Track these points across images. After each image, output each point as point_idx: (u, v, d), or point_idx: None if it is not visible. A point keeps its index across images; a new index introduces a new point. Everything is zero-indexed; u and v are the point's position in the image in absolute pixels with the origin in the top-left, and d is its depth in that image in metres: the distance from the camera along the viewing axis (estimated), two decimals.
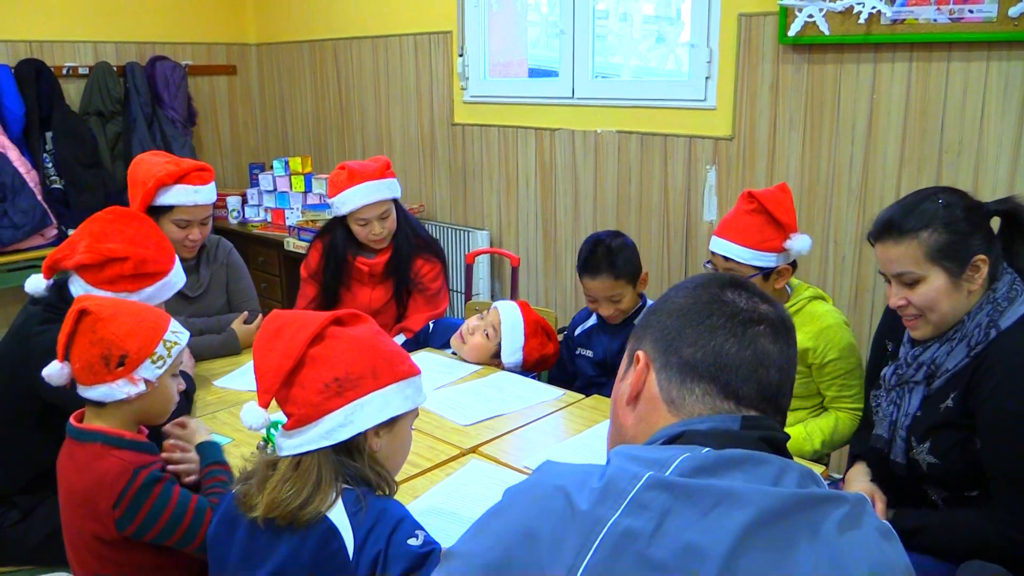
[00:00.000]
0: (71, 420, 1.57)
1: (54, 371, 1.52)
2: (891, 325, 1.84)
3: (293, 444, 1.28)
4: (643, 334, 1.01)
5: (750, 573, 0.71)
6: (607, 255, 2.37)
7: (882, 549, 0.76)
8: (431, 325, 2.80)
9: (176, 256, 2.06)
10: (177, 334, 1.61)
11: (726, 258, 2.13)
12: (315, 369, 1.28)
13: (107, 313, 1.53)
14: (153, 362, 1.55)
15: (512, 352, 2.47)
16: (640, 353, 1.00)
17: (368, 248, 2.86)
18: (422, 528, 1.28)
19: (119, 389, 1.52)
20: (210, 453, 1.73)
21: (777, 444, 0.89)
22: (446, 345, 2.67)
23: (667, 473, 0.80)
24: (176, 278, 2.03)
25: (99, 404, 1.54)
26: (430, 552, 1.24)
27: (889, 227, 1.62)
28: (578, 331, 2.55)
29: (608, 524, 0.77)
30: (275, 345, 1.29)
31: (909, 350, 1.72)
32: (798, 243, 2.09)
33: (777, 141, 3.04)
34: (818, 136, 2.93)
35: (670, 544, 0.74)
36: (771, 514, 0.75)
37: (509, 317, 2.50)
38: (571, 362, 2.56)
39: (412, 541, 1.24)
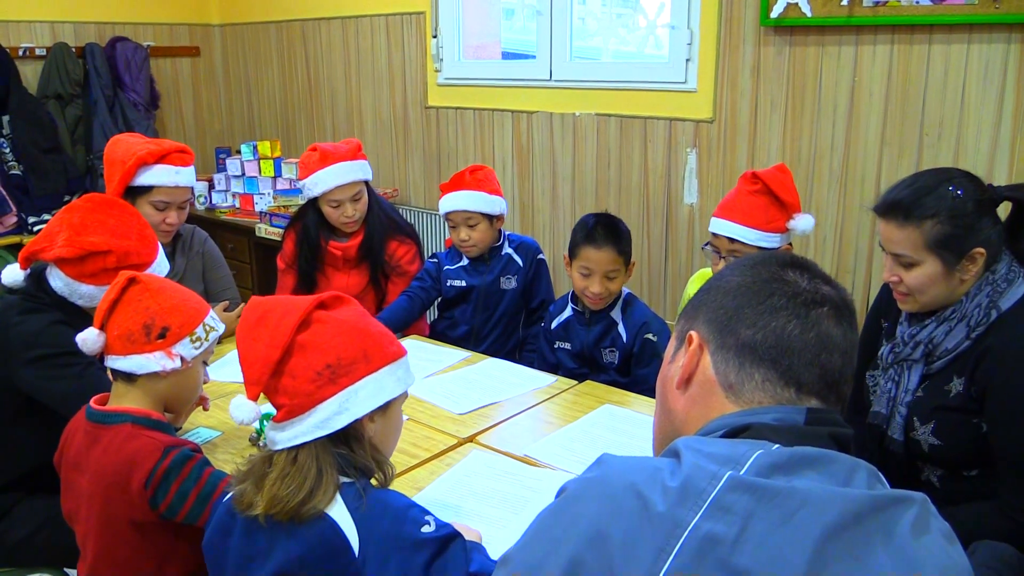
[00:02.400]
0: (92, 404, 1.54)
1: (89, 337, 1.50)
2: (887, 303, 1.85)
3: (287, 436, 1.21)
4: (695, 313, 0.97)
5: None
6: (612, 227, 2.36)
7: (948, 553, 0.74)
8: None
9: (159, 244, 2.00)
10: (216, 322, 1.61)
11: (731, 239, 2.11)
12: (305, 357, 1.22)
13: (155, 286, 1.54)
14: (192, 341, 1.55)
15: (499, 206, 2.72)
16: (693, 333, 0.95)
17: (340, 232, 2.81)
18: (429, 512, 1.24)
19: (155, 361, 1.51)
20: None
21: (844, 440, 0.86)
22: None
23: (743, 471, 0.76)
24: (160, 268, 1.97)
25: (129, 380, 1.52)
26: (448, 535, 1.21)
27: (895, 208, 1.62)
28: (554, 324, 2.53)
29: (689, 528, 0.73)
30: (260, 334, 1.23)
31: (906, 329, 1.73)
32: (803, 223, 2.09)
33: (758, 123, 3.03)
34: (799, 118, 2.93)
35: (753, 551, 0.71)
36: (849, 518, 0.72)
37: (460, 203, 2.67)
38: (551, 354, 2.54)
39: (426, 528, 1.20)
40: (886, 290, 1.88)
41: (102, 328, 1.51)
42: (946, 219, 1.57)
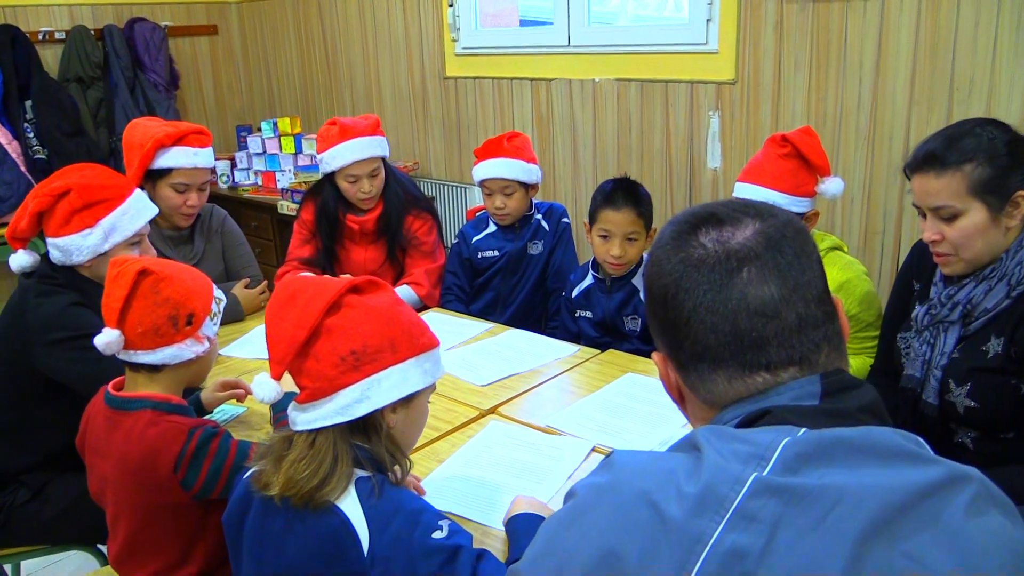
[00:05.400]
0: (109, 390, 1.52)
1: (111, 339, 1.44)
2: (919, 263, 1.80)
3: (307, 419, 1.20)
4: (652, 327, 0.92)
5: None
6: (631, 190, 2.34)
7: (1011, 535, 0.67)
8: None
9: (136, 188, 1.99)
10: (218, 291, 1.60)
11: None
12: (331, 341, 1.19)
13: (167, 272, 1.48)
14: (211, 319, 1.54)
15: (535, 175, 2.72)
16: (656, 355, 0.92)
17: (357, 206, 2.80)
18: (443, 517, 1.21)
19: (188, 349, 1.49)
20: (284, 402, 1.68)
21: (875, 410, 0.78)
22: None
23: (768, 469, 0.70)
24: (138, 205, 1.96)
25: (153, 369, 1.50)
26: (457, 544, 1.18)
27: (931, 159, 1.56)
28: (575, 293, 2.50)
29: (711, 541, 0.67)
30: (288, 313, 1.20)
31: (942, 289, 1.67)
32: (832, 186, 2.03)
33: (782, 83, 2.96)
34: (824, 77, 2.86)
35: (783, 562, 0.65)
36: (892, 511, 0.65)
37: (497, 170, 2.66)
38: (573, 323, 2.53)
39: (437, 534, 1.17)
40: (917, 250, 1.83)
41: (118, 326, 1.46)
42: (985, 160, 1.51)
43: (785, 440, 0.72)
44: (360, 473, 1.21)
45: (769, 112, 3.01)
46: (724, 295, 0.81)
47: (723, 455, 0.72)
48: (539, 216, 2.80)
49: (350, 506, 1.17)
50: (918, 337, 1.73)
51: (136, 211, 1.95)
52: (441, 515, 1.21)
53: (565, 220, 2.82)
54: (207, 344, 1.53)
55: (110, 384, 1.54)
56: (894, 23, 2.66)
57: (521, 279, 2.78)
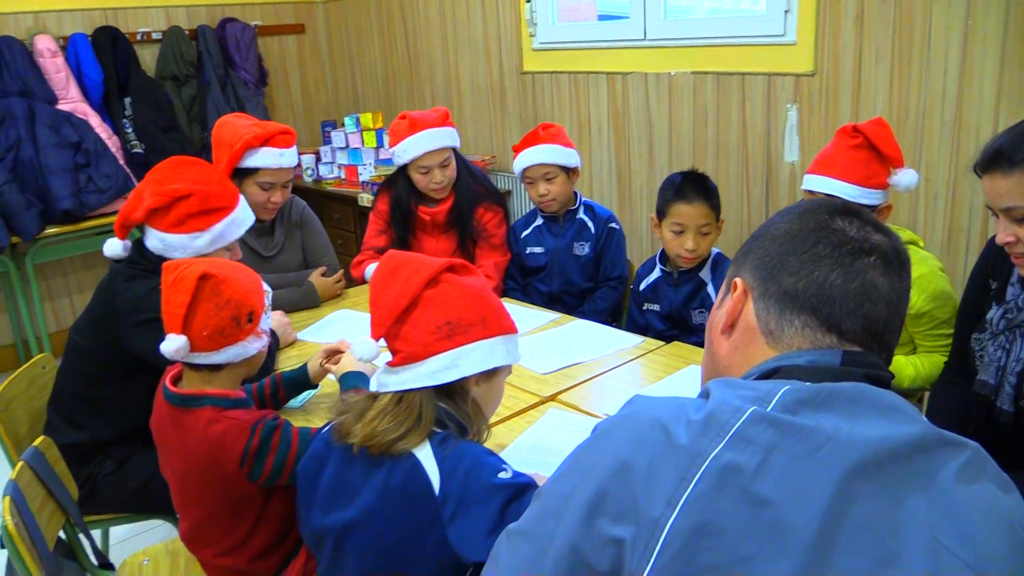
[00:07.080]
0: (168, 386, 1.56)
1: (179, 345, 1.47)
2: (995, 262, 1.73)
3: (398, 380, 1.30)
4: (743, 260, 0.98)
5: (857, 517, 0.67)
6: (701, 182, 2.35)
7: (999, 502, 0.71)
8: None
9: (240, 195, 2.08)
10: (266, 285, 1.65)
11: (829, 196, 2.01)
12: (428, 310, 1.30)
13: (225, 274, 1.51)
14: (266, 313, 1.59)
15: (574, 159, 2.73)
16: (738, 280, 0.96)
17: (430, 198, 2.85)
18: (507, 463, 1.29)
19: (250, 346, 1.55)
20: (350, 381, 1.74)
21: (881, 382, 0.84)
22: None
23: (770, 407, 0.76)
24: (243, 215, 2.05)
25: (214, 368, 1.54)
26: (524, 483, 1.26)
27: (998, 157, 1.49)
28: (643, 286, 2.51)
29: (710, 457, 0.73)
30: (392, 283, 1.32)
31: (1019, 292, 1.61)
32: (906, 178, 1.97)
33: (863, 75, 2.88)
34: (907, 68, 2.77)
35: (775, 481, 0.70)
36: (882, 456, 0.70)
37: (536, 157, 2.70)
38: (640, 316, 2.53)
39: (503, 474, 1.25)
40: (993, 247, 1.76)
41: (183, 331, 1.48)
42: None
43: (786, 387, 0.78)
44: (436, 429, 1.29)
45: (849, 105, 2.94)
46: (849, 260, 0.89)
47: (728, 395, 0.79)
48: (584, 216, 2.80)
49: (423, 453, 1.26)
50: (993, 341, 1.67)
51: (240, 220, 2.05)
52: (504, 461, 1.29)
53: (614, 225, 2.80)
54: (265, 339, 1.59)
55: (167, 377, 1.58)
56: (981, 10, 2.56)
57: (570, 280, 2.78)
